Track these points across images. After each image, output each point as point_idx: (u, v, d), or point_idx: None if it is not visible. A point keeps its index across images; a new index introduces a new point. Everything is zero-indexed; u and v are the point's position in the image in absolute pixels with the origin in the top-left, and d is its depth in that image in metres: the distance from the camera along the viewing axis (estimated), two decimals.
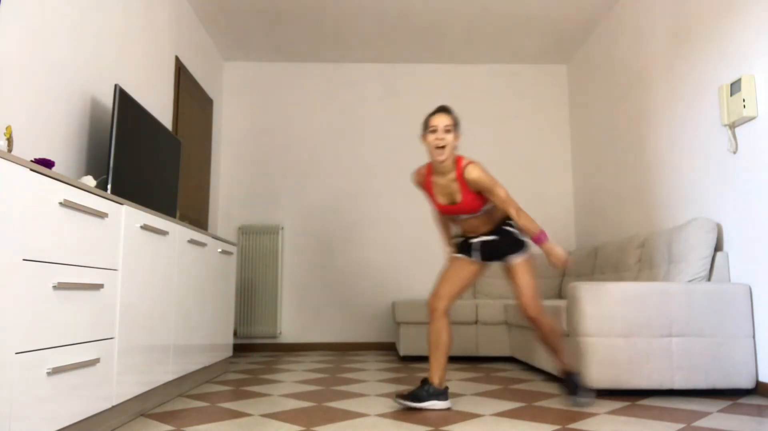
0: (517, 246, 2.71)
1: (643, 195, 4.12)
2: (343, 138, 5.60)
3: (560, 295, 5.00)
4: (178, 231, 2.84)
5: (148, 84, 3.76)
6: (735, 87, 3.02)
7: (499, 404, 2.71)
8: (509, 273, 2.72)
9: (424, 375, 3.73)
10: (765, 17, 2.88)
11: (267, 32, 5.05)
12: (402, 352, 4.54)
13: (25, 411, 1.60)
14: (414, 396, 2.57)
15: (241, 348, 5.30)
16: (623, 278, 3.81)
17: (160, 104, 3.97)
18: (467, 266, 2.77)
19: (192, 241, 3.02)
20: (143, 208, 2.40)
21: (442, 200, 2.71)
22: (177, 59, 4.30)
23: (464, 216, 2.72)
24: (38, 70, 2.51)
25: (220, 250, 3.57)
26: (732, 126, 3.09)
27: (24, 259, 1.58)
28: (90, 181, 2.40)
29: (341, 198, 5.52)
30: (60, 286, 1.75)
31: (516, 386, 3.25)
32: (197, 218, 4.73)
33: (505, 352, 4.49)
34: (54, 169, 2.58)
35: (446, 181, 2.66)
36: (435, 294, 2.73)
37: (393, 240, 5.47)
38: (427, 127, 2.63)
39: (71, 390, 1.84)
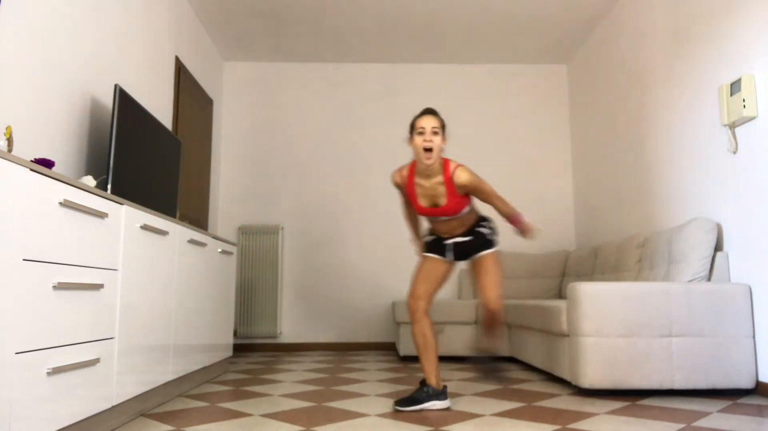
0: (488, 245, 2.75)
1: (643, 195, 4.12)
2: (343, 138, 5.60)
3: (560, 295, 5.00)
4: (178, 232, 2.84)
5: (148, 84, 3.76)
6: (735, 87, 3.02)
7: (499, 404, 2.71)
8: (476, 268, 2.75)
9: (423, 375, 3.72)
10: (765, 17, 2.88)
11: (267, 32, 5.05)
12: (402, 352, 4.54)
13: (25, 411, 1.60)
14: (413, 400, 2.57)
15: (241, 348, 5.30)
16: (623, 278, 3.80)
17: (160, 104, 3.97)
18: (440, 265, 2.78)
19: (192, 241, 3.02)
20: (143, 208, 2.40)
21: (424, 202, 2.68)
22: (177, 59, 4.30)
23: (443, 218, 2.71)
24: (38, 70, 2.51)
25: (220, 250, 3.57)
26: (732, 126, 3.09)
27: (24, 259, 1.58)
28: (90, 181, 2.40)
29: (341, 198, 5.52)
30: (60, 286, 1.75)
31: (516, 386, 3.25)
32: (197, 218, 4.73)
33: (505, 352, 4.48)
34: (54, 169, 2.58)
35: (432, 183, 2.63)
36: (413, 295, 2.71)
37: (393, 240, 5.47)
38: (413, 129, 2.59)
39: (71, 390, 1.84)
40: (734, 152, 3.09)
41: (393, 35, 5.11)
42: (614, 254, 4.00)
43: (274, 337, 5.30)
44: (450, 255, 2.78)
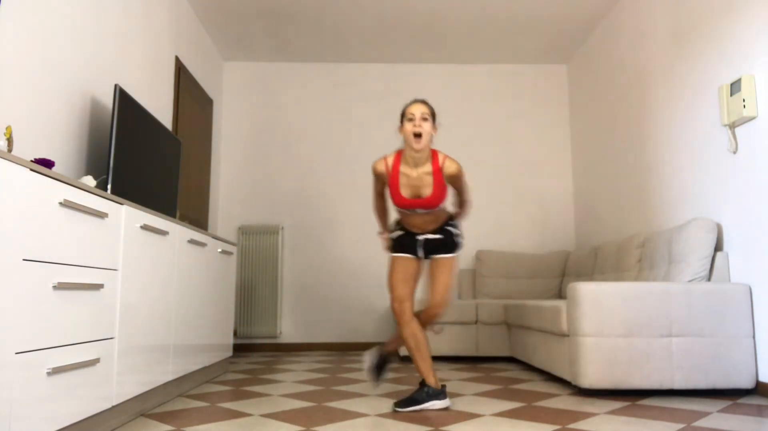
0: (453, 246, 2.79)
1: (643, 195, 4.12)
2: (344, 138, 5.60)
3: (560, 295, 5.00)
4: (178, 232, 2.84)
5: (148, 84, 3.76)
6: (735, 87, 3.02)
7: (499, 404, 2.71)
8: (435, 267, 2.78)
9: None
10: (765, 17, 2.88)
11: (267, 32, 5.05)
12: (402, 352, 4.54)
13: (25, 411, 1.60)
14: (412, 401, 2.57)
15: (241, 348, 5.30)
16: (623, 278, 3.81)
17: (160, 104, 3.97)
18: (413, 263, 2.79)
19: (192, 241, 3.02)
20: (143, 208, 2.40)
21: (406, 193, 2.67)
22: (177, 59, 4.30)
23: (421, 212, 2.71)
24: (38, 70, 2.51)
25: (220, 250, 3.57)
26: (732, 126, 3.09)
27: (24, 259, 1.58)
28: (90, 181, 2.40)
29: (341, 198, 5.52)
30: (60, 286, 1.75)
31: (516, 386, 3.25)
32: (197, 218, 4.74)
33: (505, 352, 4.48)
34: (54, 169, 2.58)
35: (419, 173, 2.64)
36: (396, 298, 2.71)
37: None
38: (403, 117, 2.63)
39: (71, 390, 1.84)
40: (734, 152, 3.09)
41: (393, 35, 5.11)
42: (614, 254, 4.00)
43: (274, 337, 5.30)
44: (421, 252, 2.79)
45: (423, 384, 2.64)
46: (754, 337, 2.92)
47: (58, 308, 1.75)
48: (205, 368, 3.44)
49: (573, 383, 2.98)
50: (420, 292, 5.31)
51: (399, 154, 2.69)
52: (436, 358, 4.66)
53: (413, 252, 2.78)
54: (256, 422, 2.34)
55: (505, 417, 2.42)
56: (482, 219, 5.52)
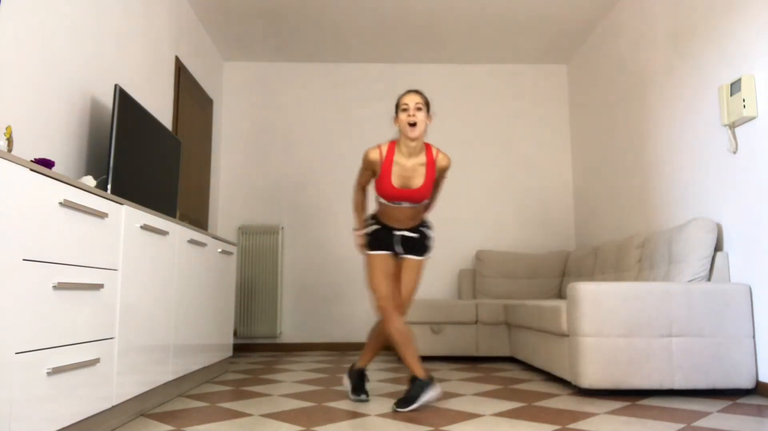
0: (424, 250, 2.84)
1: (643, 195, 4.12)
2: (343, 138, 5.60)
3: (560, 295, 5.00)
4: (178, 232, 2.84)
5: (148, 84, 3.76)
6: (735, 87, 3.02)
7: (499, 404, 2.71)
8: (403, 268, 2.81)
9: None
10: (765, 17, 2.88)
11: (267, 32, 5.05)
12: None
13: (25, 411, 1.60)
14: (411, 399, 2.57)
15: (241, 348, 5.30)
16: (623, 278, 3.81)
17: (160, 104, 3.97)
18: (390, 261, 2.80)
19: (192, 241, 3.02)
20: (143, 208, 2.40)
21: (396, 182, 2.69)
22: (177, 59, 4.30)
23: (406, 205, 2.73)
24: (38, 70, 2.51)
25: (220, 250, 3.57)
26: (732, 126, 3.09)
27: (24, 259, 1.58)
28: (90, 181, 2.40)
29: (341, 198, 5.52)
30: (60, 286, 1.75)
31: (516, 386, 3.25)
32: (197, 218, 4.74)
33: (505, 352, 4.48)
34: (54, 169, 2.58)
35: (413, 164, 2.69)
36: (380, 296, 2.71)
37: None
38: (398, 108, 2.68)
39: (71, 390, 1.84)
40: (734, 152, 3.09)
41: (393, 35, 5.11)
42: (614, 254, 4.00)
43: (274, 337, 5.30)
44: (399, 248, 2.80)
45: (414, 378, 2.64)
46: (754, 337, 2.92)
47: (58, 308, 1.75)
48: (205, 368, 3.44)
49: (573, 383, 2.98)
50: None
51: (393, 144, 2.73)
52: (437, 358, 4.66)
53: (390, 247, 2.80)
54: (256, 422, 2.34)
55: (505, 417, 2.42)
56: (482, 219, 5.52)
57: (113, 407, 2.20)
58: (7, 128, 2.08)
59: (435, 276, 5.43)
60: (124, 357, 2.22)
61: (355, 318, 5.37)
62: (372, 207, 4.61)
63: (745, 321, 2.90)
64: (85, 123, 2.92)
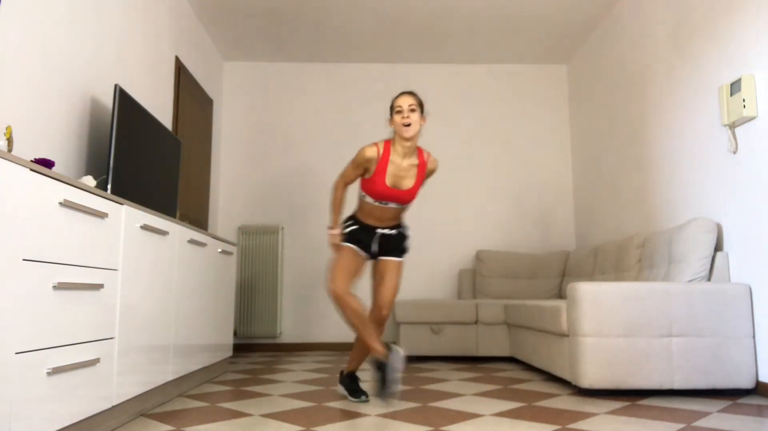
0: (402, 251, 2.88)
1: (642, 195, 4.12)
2: (343, 138, 5.60)
3: (560, 295, 5.00)
4: (178, 231, 2.84)
5: (148, 84, 3.77)
6: (735, 87, 3.02)
7: (499, 404, 2.71)
8: (382, 268, 2.84)
9: (424, 375, 3.73)
10: (765, 17, 2.88)
11: (267, 32, 5.05)
12: (402, 352, 4.54)
13: (25, 411, 1.60)
14: (389, 382, 2.58)
15: (241, 348, 5.30)
16: (623, 278, 3.81)
17: (160, 104, 3.97)
18: (360, 260, 2.82)
19: (192, 241, 3.02)
20: (143, 208, 2.40)
21: (389, 181, 2.73)
22: (177, 59, 4.30)
23: (393, 205, 2.77)
24: (38, 70, 2.51)
25: (220, 250, 3.57)
26: (732, 126, 3.09)
27: (24, 259, 1.58)
28: (90, 181, 2.40)
29: None
30: (60, 286, 1.75)
31: (516, 386, 3.25)
32: (197, 218, 4.74)
33: (505, 352, 4.48)
34: (54, 169, 2.58)
35: (407, 164, 2.74)
36: (334, 281, 2.71)
37: None
38: (393, 110, 2.72)
39: (71, 390, 1.84)
40: (734, 152, 3.09)
41: (393, 35, 5.11)
42: (614, 254, 4.00)
43: (274, 337, 5.30)
44: (375, 246, 2.83)
45: (378, 360, 2.63)
46: (754, 337, 2.92)
47: (58, 308, 1.75)
48: (205, 368, 3.44)
49: (573, 383, 2.98)
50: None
51: (388, 143, 2.75)
52: (437, 358, 4.66)
53: (366, 248, 2.82)
54: (256, 422, 2.34)
55: (505, 417, 2.42)
56: (482, 219, 5.52)
57: (113, 407, 2.20)
58: (7, 128, 2.08)
59: (435, 276, 5.43)
60: (124, 357, 2.22)
61: None
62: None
63: (745, 321, 2.90)
64: (85, 123, 2.92)
